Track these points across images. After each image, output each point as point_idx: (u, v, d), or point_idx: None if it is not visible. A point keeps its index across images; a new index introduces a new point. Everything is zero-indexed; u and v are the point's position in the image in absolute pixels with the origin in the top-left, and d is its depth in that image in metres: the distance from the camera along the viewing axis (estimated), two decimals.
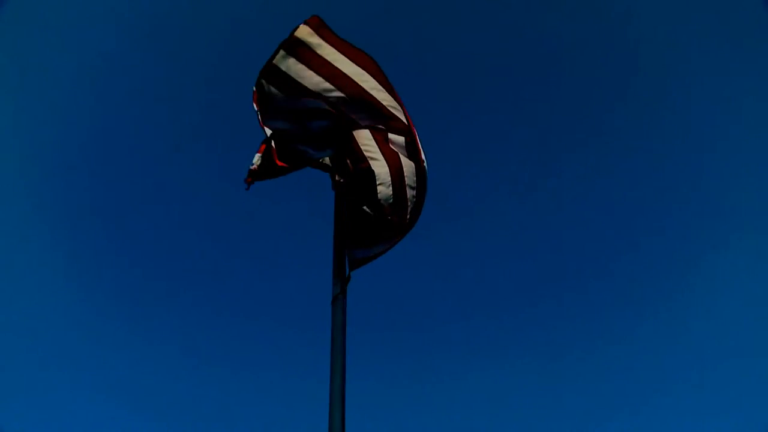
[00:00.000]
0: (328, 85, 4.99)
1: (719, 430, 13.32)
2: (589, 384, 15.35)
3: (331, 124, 5.17)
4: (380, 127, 5.25)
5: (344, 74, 5.01)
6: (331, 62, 5.00)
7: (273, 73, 4.88)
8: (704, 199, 16.03)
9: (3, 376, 13.61)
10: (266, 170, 5.18)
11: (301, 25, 4.99)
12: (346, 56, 5.04)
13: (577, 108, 17.90)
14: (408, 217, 5.19)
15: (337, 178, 5.55)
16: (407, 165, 5.27)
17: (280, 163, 5.07)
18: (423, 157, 5.29)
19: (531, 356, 16.05)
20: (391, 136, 5.28)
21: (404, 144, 5.27)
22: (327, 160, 5.66)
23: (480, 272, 17.99)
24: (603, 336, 16.02)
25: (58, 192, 16.23)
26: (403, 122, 5.20)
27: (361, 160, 5.27)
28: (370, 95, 5.08)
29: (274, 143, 5.07)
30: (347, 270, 5.31)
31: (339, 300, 5.14)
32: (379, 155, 5.27)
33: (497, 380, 15.71)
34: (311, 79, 4.96)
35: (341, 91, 5.02)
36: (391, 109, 5.15)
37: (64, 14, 15.51)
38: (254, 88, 4.91)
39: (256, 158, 5.24)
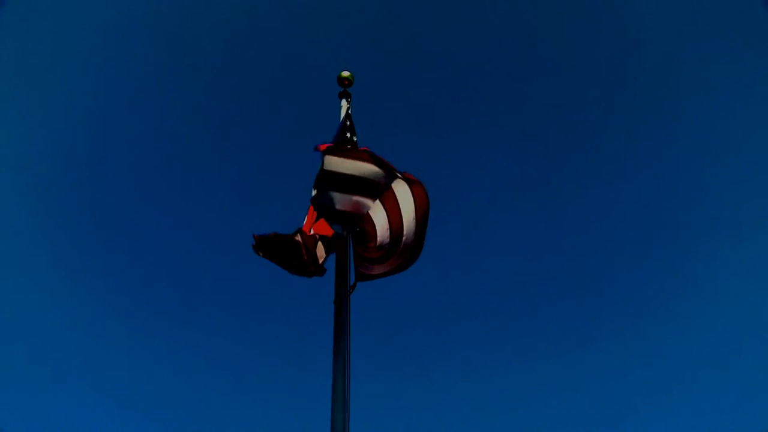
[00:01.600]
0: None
1: (720, 429, 13.35)
2: (590, 384, 15.38)
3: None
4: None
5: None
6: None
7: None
8: (704, 198, 16.06)
9: (3, 376, 13.62)
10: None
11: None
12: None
13: (578, 109, 17.93)
14: (376, 243, 5.40)
15: None
16: (376, 209, 5.52)
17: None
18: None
19: (532, 357, 16.07)
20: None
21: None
22: None
23: (482, 273, 18.01)
24: (604, 337, 16.04)
25: (60, 193, 16.24)
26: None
27: None
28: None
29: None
30: (352, 279, 5.37)
31: (342, 299, 5.17)
32: None
33: (499, 381, 15.74)
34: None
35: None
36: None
37: (65, 15, 15.52)
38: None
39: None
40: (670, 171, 16.69)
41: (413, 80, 18.88)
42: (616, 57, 17.31)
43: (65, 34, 15.76)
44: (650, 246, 16.65)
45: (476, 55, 18.49)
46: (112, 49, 16.43)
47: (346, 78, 6.65)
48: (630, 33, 16.90)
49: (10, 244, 15.02)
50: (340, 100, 6.64)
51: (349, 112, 6.49)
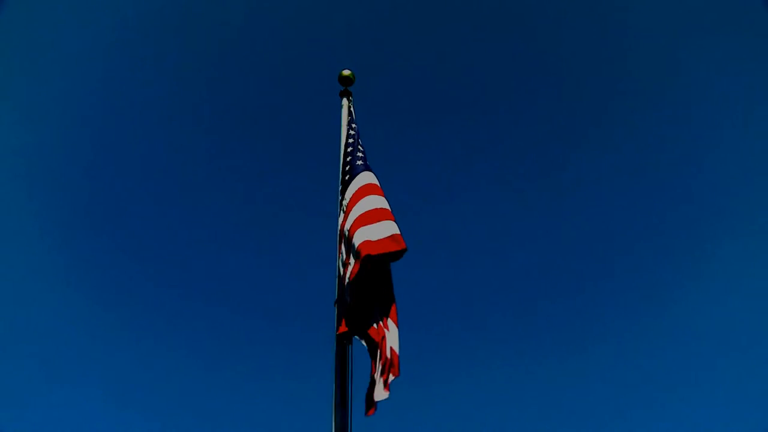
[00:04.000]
0: None
1: (719, 430, 13.34)
2: (590, 385, 15.36)
3: None
4: None
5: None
6: None
7: None
8: (703, 197, 16.06)
9: (3, 376, 13.59)
10: None
11: None
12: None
13: (577, 108, 17.93)
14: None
15: None
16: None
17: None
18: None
19: (532, 357, 16.05)
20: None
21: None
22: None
23: (481, 272, 17.99)
24: (604, 336, 16.02)
25: (60, 193, 16.20)
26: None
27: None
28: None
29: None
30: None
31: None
32: None
33: (501, 381, 15.72)
34: None
35: None
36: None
37: (65, 15, 15.51)
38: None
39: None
40: (668, 170, 16.72)
41: (415, 78, 18.88)
42: (614, 56, 17.34)
43: (65, 34, 15.77)
44: (649, 246, 16.66)
45: (477, 54, 18.51)
46: (111, 49, 16.44)
47: (347, 77, 6.65)
48: (628, 31, 16.92)
49: (10, 244, 15.03)
50: (341, 99, 6.64)
51: (352, 109, 6.49)
